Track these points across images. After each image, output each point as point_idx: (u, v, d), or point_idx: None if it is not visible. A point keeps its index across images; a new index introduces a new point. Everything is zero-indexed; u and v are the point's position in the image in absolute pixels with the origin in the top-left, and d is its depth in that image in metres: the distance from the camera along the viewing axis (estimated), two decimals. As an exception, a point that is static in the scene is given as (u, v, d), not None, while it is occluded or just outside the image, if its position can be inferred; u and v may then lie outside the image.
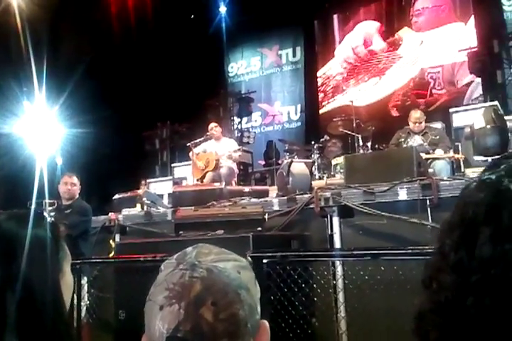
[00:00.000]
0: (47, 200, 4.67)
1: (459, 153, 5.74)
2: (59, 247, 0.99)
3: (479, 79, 9.39)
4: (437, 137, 6.12)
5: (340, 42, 11.57)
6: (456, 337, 0.50)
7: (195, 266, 0.77)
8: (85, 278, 3.89)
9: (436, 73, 10.33)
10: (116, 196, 6.30)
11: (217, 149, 7.10)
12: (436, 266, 0.54)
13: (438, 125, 6.86)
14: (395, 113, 10.46)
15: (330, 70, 11.62)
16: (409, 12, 10.72)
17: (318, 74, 11.70)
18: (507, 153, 0.56)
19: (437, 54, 10.28)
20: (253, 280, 0.82)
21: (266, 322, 0.82)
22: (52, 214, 4.69)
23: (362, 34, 11.24)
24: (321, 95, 11.64)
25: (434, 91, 10.30)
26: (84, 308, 3.85)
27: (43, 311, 0.86)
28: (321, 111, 11.49)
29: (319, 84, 11.68)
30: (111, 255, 4.68)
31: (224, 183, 5.90)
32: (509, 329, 0.46)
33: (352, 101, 8.62)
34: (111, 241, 5.15)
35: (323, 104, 11.58)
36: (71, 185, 4.94)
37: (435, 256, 0.55)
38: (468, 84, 9.87)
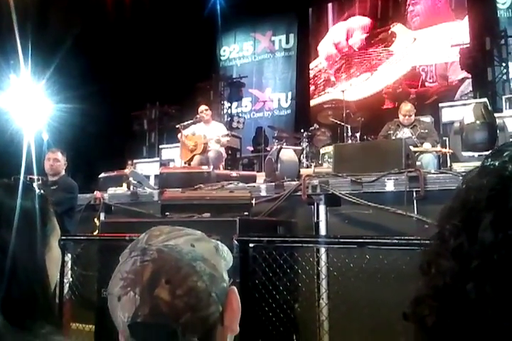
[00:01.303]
0: (34, 176, 4.62)
1: (446, 148, 5.79)
2: (47, 220, 0.97)
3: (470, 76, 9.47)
4: (426, 131, 6.17)
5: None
6: (454, 322, 0.49)
7: (145, 250, 0.77)
8: (69, 255, 3.87)
9: (428, 66, 10.37)
10: (102, 175, 6.25)
11: (206, 132, 7.07)
12: (435, 252, 0.53)
13: (427, 119, 6.92)
14: (387, 103, 10.48)
15: (321, 64, 11.60)
16: (404, 7, 10.69)
17: (311, 66, 11.67)
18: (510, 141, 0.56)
19: (429, 52, 10.30)
20: (212, 250, 0.81)
21: (234, 288, 0.82)
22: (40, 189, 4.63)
23: (345, 29, 11.22)
24: (312, 88, 11.62)
25: (426, 84, 10.34)
26: (67, 285, 3.84)
27: (25, 284, 0.84)
28: (311, 103, 11.48)
29: (311, 76, 11.65)
30: (95, 233, 4.66)
31: (212, 167, 5.88)
32: (509, 315, 0.46)
33: (343, 91, 8.63)
34: (95, 220, 5.12)
35: (314, 96, 11.57)
36: (54, 161, 4.88)
37: (434, 241, 0.54)
38: (461, 80, 9.92)
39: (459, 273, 0.49)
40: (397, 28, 10.71)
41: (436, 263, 0.53)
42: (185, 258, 0.76)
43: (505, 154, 0.53)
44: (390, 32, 10.79)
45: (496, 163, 0.52)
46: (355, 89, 10.82)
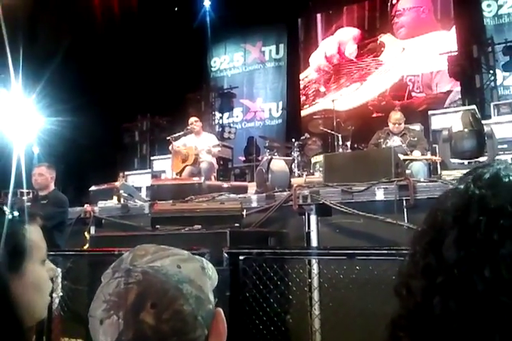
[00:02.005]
0: (23, 190, 4.59)
1: (436, 155, 5.82)
2: (17, 245, 0.93)
3: (458, 88, 9.56)
4: (415, 138, 6.20)
5: (316, 49, 11.65)
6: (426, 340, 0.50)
7: (129, 272, 0.75)
8: (58, 270, 3.84)
9: (415, 76, 10.45)
10: (93, 188, 6.23)
11: (196, 144, 7.07)
12: (407, 273, 0.54)
13: (417, 127, 6.95)
14: (374, 113, 10.55)
15: (311, 75, 11.67)
16: (391, 16, 10.80)
17: (301, 76, 11.74)
18: (480, 164, 0.58)
19: (418, 61, 10.38)
20: (199, 271, 0.79)
21: (220, 310, 0.80)
22: (28, 204, 4.60)
23: (337, 41, 11.32)
24: (302, 98, 11.67)
25: (413, 94, 10.42)
26: (57, 300, 3.80)
27: None
28: (302, 114, 11.51)
29: (301, 87, 11.71)
30: (85, 247, 4.63)
31: (203, 178, 5.87)
32: (472, 330, 0.47)
33: (333, 101, 8.67)
34: (86, 234, 5.09)
35: (305, 106, 11.61)
36: (38, 176, 4.84)
37: (407, 263, 0.55)
38: (447, 93, 9.99)
39: (428, 290, 0.50)
40: (385, 37, 10.81)
41: (407, 284, 0.54)
42: (172, 281, 0.74)
43: (470, 176, 0.55)
44: (378, 42, 10.88)
45: (462, 186, 0.54)
46: (345, 99, 10.87)
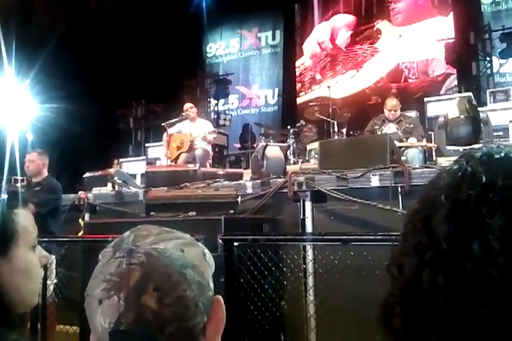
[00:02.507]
0: (18, 177, 4.56)
1: (431, 142, 5.81)
2: (4, 229, 0.92)
3: (454, 75, 9.52)
4: (411, 125, 6.18)
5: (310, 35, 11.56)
6: (417, 321, 0.50)
7: (132, 252, 0.72)
8: (52, 257, 3.83)
9: (410, 63, 10.40)
10: (87, 174, 6.20)
11: (191, 130, 7.03)
12: (399, 252, 0.55)
13: (412, 114, 6.93)
14: (372, 99, 10.49)
15: (306, 62, 11.59)
16: (388, 2, 10.70)
17: (297, 64, 11.65)
18: (474, 150, 0.59)
19: (414, 48, 10.31)
20: (201, 256, 0.77)
21: (220, 297, 0.79)
22: (22, 190, 4.57)
23: (330, 28, 11.21)
24: (298, 85, 11.60)
25: (409, 80, 10.37)
26: (52, 287, 3.80)
27: None
28: (298, 101, 11.45)
29: (297, 74, 11.63)
30: (80, 234, 4.62)
31: (198, 165, 5.85)
32: (459, 304, 0.47)
33: (329, 87, 8.63)
34: (80, 221, 5.08)
35: (301, 94, 11.55)
36: (29, 162, 4.80)
37: (399, 242, 0.56)
38: (443, 75, 9.96)
39: (418, 266, 0.50)
40: (382, 24, 10.72)
41: (399, 263, 0.54)
42: (175, 265, 0.72)
43: (464, 157, 0.56)
44: (375, 29, 10.79)
45: (455, 166, 0.55)
46: (341, 86, 10.81)
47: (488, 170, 0.51)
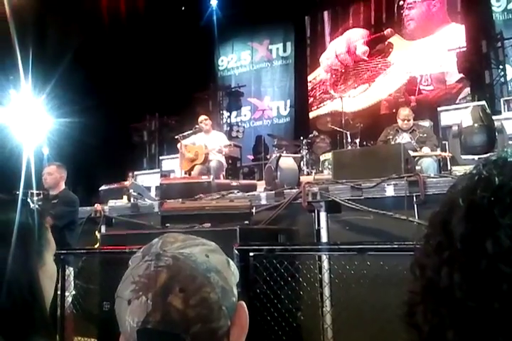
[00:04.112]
0: (33, 191, 4.62)
1: (446, 152, 5.78)
2: (41, 235, 0.97)
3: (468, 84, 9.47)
4: (424, 135, 6.16)
5: (327, 48, 11.57)
6: (437, 316, 0.52)
7: (160, 256, 0.76)
8: (71, 269, 3.87)
9: (424, 76, 10.34)
10: (103, 187, 6.26)
11: (206, 142, 7.08)
12: (421, 253, 0.56)
13: (426, 123, 6.91)
14: (384, 110, 10.47)
15: (319, 76, 11.61)
16: (399, 13, 10.70)
17: (309, 78, 11.68)
18: (492, 154, 0.61)
19: (426, 61, 10.27)
20: (225, 263, 0.81)
21: (243, 303, 0.82)
22: (39, 203, 4.63)
23: (346, 41, 11.23)
24: (310, 99, 11.62)
25: (421, 87, 10.31)
26: (69, 299, 3.83)
27: (18, 297, 0.84)
28: (310, 115, 11.44)
29: (309, 88, 11.65)
30: (96, 246, 4.66)
31: (212, 176, 5.88)
32: (473, 300, 0.49)
33: (341, 97, 8.64)
34: (96, 233, 5.12)
35: (313, 108, 11.55)
36: (47, 175, 4.86)
37: (422, 244, 0.58)
38: (459, 86, 9.87)
39: (438, 265, 0.52)
40: (393, 39, 10.71)
41: (421, 263, 0.56)
42: (200, 268, 0.76)
43: (481, 163, 0.58)
44: (386, 43, 10.78)
45: (474, 171, 0.57)
46: (353, 100, 10.79)
47: (502, 172, 0.53)
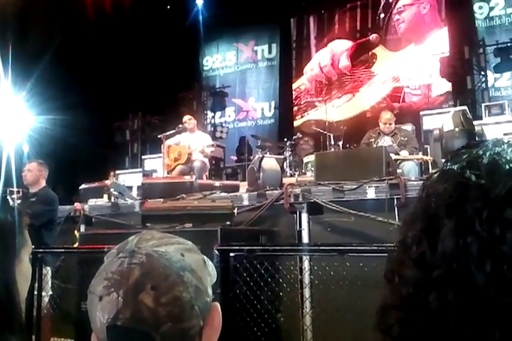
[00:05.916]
0: (13, 188, 4.54)
1: (427, 155, 5.84)
2: (19, 233, 0.96)
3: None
4: (406, 138, 6.23)
5: (312, 57, 11.59)
6: (418, 332, 0.49)
7: (134, 253, 0.76)
8: (48, 268, 3.81)
9: (409, 87, 10.39)
10: (83, 186, 6.19)
11: (191, 142, 7.05)
12: (398, 260, 0.52)
13: (408, 127, 6.98)
14: (368, 114, 10.49)
15: (303, 85, 11.61)
16: (387, 21, 10.72)
17: (293, 86, 11.65)
18: (469, 143, 0.55)
19: (411, 71, 10.32)
20: (201, 263, 0.80)
21: (217, 304, 0.81)
22: (18, 202, 4.56)
23: (330, 53, 11.25)
24: (295, 108, 11.60)
25: (406, 90, 10.33)
26: (46, 299, 3.77)
27: None
28: (295, 124, 11.41)
29: (293, 97, 11.62)
30: (75, 245, 4.59)
31: (195, 176, 5.85)
32: (471, 325, 0.45)
33: (325, 101, 8.67)
34: (75, 232, 5.06)
35: (297, 117, 11.53)
36: (26, 172, 4.78)
37: (397, 249, 0.53)
38: (445, 94, 9.93)
39: (422, 282, 0.48)
40: (377, 49, 10.74)
41: (399, 272, 0.52)
42: (174, 267, 0.75)
43: (464, 157, 0.52)
44: (370, 53, 10.82)
45: (455, 168, 0.51)
46: (337, 110, 10.75)
47: (496, 183, 0.47)
